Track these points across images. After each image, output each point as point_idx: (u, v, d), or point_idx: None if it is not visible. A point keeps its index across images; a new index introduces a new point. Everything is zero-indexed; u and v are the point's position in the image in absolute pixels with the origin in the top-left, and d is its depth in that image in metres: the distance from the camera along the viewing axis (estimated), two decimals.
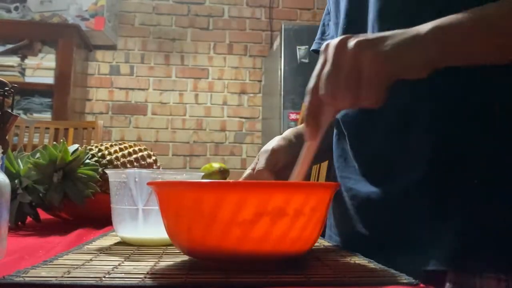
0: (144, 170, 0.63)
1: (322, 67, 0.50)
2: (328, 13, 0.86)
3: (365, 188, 0.65)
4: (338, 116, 0.71)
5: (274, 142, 0.71)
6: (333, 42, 0.50)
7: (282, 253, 0.44)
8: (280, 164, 0.68)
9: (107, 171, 0.64)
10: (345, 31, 0.71)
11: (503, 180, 0.56)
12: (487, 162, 0.57)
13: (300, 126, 0.77)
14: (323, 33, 0.87)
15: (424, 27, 0.50)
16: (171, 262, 0.48)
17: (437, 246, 0.57)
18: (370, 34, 0.51)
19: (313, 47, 0.87)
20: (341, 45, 0.49)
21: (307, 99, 0.51)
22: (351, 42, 0.49)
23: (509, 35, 0.51)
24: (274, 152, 0.68)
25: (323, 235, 0.81)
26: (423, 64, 0.49)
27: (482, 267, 0.55)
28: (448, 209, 0.57)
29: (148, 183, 0.48)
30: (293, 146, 0.70)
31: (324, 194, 0.46)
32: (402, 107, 0.61)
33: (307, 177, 0.77)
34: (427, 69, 0.50)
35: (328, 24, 0.85)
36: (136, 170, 0.61)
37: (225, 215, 0.41)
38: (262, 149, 0.71)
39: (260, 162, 0.68)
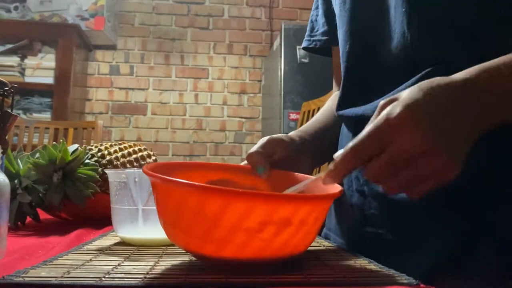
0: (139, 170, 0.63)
1: (376, 143, 0.45)
2: (317, 8, 0.84)
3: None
4: (368, 113, 0.66)
5: (275, 135, 0.69)
6: (395, 118, 0.44)
7: (282, 257, 0.44)
8: (277, 156, 0.66)
9: (106, 171, 0.64)
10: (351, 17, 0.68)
11: None
12: None
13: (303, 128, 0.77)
14: (312, 29, 0.85)
15: (472, 95, 0.46)
16: (171, 262, 0.48)
17: (471, 252, 0.55)
18: (428, 103, 0.44)
19: (304, 44, 0.86)
20: (405, 127, 0.43)
21: (344, 155, 0.47)
22: (418, 128, 0.43)
23: None
24: (271, 140, 0.66)
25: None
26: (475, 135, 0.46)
27: None
28: (484, 217, 0.55)
29: (151, 175, 0.46)
30: (294, 144, 0.69)
31: (328, 204, 0.47)
32: None
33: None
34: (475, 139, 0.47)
35: (316, 20, 0.83)
36: (135, 170, 0.61)
37: (229, 221, 0.40)
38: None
39: (254, 146, 0.66)
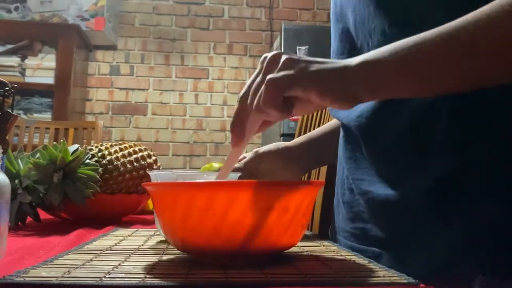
0: (164, 172, 0.63)
1: (255, 77, 0.52)
2: None
3: (382, 190, 0.63)
4: (349, 121, 0.70)
5: (265, 147, 0.81)
6: (269, 54, 0.52)
7: (280, 246, 0.47)
8: (262, 167, 0.79)
9: (148, 172, 0.64)
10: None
11: None
12: (507, 164, 0.55)
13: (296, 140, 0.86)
14: None
15: (354, 60, 0.50)
16: (171, 262, 0.48)
17: (462, 250, 0.55)
18: (304, 56, 0.51)
19: None
20: (273, 59, 0.50)
21: (236, 105, 0.53)
22: (282, 58, 0.50)
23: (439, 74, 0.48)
24: (256, 156, 0.80)
25: (326, 237, 0.82)
26: (346, 97, 0.49)
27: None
28: (471, 212, 0.55)
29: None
30: (284, 153, 0.81)
31: (316, 190, 0.50)
32: (418, 108, 0.59)
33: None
34: (351, 102, 0.50)
35: None
36: (155, 171, 0.62)
37: (236, 212, 0.44)
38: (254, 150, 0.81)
39: (242, 161, 0.79)
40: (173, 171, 0.64)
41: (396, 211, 0.61)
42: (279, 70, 0.49)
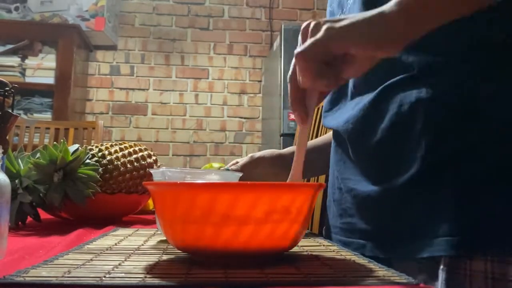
0: (173, 169, 0.63)
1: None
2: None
3: (365, 187, 0.68)
4: (338, 126, 0.74)
5: (261, 152, 0.85)
6: (302, 25, 0.53)
7: (280, 248, 0.47)
8: (257, 171, 0.82)
9: (151, 170, 0.64)
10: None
11: (496, 174, 0.58)
12: (482, 157, 0.59)
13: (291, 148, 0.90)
14: None
15: (387, 5, 0.50)
16: (172, 262, 0.48)
17: (432, 237, 0.59)
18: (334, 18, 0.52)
19: None
20: (306, 27, 0.51)
21: (288, 86, 0.54)
22: (314, 23, 0.51)
23: None
24: (251, 160, 0.83)
25: (323, 234, 0.84)
26: (390, 40, 0.49)
27: (474, 252, 0.57)
28: (442, 203, 0.60)
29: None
30: (280, 159, 0.85)
31: (317, 192, 0.50)
32: (396, 116, 0.64)
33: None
34: (397, 45, 0.50)
35: None
36: (163, 168, 0.62)
37: (240, 213, 0.43)
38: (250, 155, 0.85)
39: (238, 164, 0.83)
40: (181, 169, 0.65)
41: (377, 205, 0.66)
42: (309, 38, 0.50)
